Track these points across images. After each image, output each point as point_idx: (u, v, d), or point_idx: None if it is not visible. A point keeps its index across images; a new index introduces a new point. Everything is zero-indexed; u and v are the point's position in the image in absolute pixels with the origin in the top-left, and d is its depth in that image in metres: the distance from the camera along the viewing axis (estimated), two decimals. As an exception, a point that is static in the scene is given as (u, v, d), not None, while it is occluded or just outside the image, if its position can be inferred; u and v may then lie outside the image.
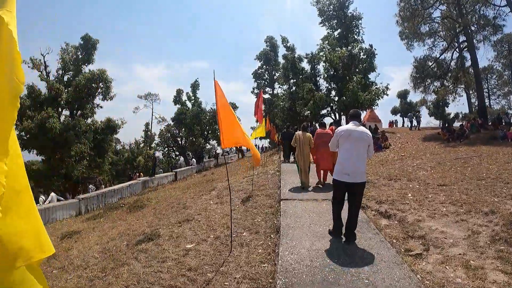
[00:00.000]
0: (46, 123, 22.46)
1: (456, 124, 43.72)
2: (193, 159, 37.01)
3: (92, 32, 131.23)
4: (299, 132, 10.00)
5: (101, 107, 29.30)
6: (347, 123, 5.75)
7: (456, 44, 30.93)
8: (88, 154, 26.08)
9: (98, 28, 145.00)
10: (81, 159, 25.79)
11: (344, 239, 5.38)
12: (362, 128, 5.35)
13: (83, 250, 7.18)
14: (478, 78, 28.31)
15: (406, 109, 57.14)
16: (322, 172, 9.88)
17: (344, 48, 26.55)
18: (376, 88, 25.74)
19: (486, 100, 44.65)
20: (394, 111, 59.32)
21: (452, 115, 57.25)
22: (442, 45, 32.33)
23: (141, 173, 34.89)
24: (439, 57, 30.89)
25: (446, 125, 24.11)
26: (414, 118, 34.23)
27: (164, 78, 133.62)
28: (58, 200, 18.33)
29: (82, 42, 28.56)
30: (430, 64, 30.66)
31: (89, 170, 28.18)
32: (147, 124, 57.44)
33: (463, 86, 32.07)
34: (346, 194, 5.39)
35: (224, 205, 8.39)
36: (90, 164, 28.10)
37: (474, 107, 44.10)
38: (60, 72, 27.80)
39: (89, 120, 27.92)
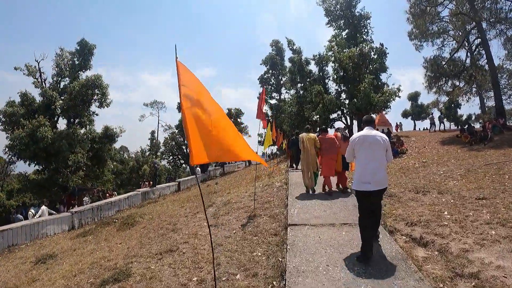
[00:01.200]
0: (37, 132, 21.11)
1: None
2: (198, 168, 35.49)
3: (100, 40, 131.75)
4: (303, 134, 9.62)
5: (96, 114, 27.84)
6: (360, 128, 5.64)
7: (469, 41, 29.81)
8: (85, 164, 24.69)
9: (105, 36, 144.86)
10: (77, 170, 24.42)
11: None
12: (376, 132, 5.10)
13: (46, 283, 6.34)
14: (494, 76, 26.80)
15: (418, 111, 55.50)
16: (326, 178, 9.29)
17: (354, 48, 25.10)
18: (389, 89, 24.04)
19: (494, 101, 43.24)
20: (405, 114, 57.56)
21: (464, 117, 55.49)
22: (451, 44, 31.63)
23: (151, 182, 33.85)
24: (453, 54, 29.65)
25: (466, 126, 22.44)
26: (438, 120, 32.59)
27: (171, 85, 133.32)
28: (50, 213, 17.08)
29: (78, 48, 27.28)
30: (444, 62, 29.32)
31: (87, 180, 26.84)
32: (152, 132, 56.73)
33: (476, 86, 30.46)
34: None
35: (219, 228, 6.95)
36: (89, 175, 26.78)
37: (487, 108, 42.95)
38: (56, 78, 26.50)
39: (86, 129, 26.63)
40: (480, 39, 27.38)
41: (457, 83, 30.13)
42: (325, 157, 9.19)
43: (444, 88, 30.62)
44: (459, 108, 52.51)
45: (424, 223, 6.23)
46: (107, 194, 31.51)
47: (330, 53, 27.29)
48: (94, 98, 26.06)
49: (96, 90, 25.52)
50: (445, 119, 33.73)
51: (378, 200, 5.09)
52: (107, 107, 26.82)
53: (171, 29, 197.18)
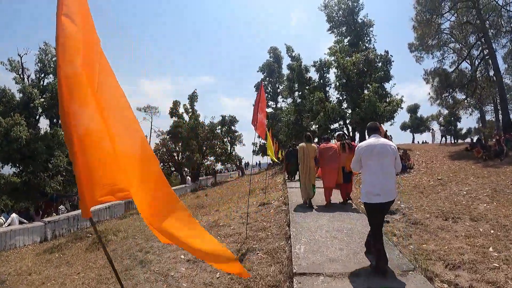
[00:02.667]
0: (11, 131, 19.32)
1: (469, 140, 41.50)
2: (188, 177, 33.60)
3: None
4: (303, 144, 9.04)
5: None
6: (365, 138, 4.96)
7: (470, 54, 29.25)
8: (65, 168, 22.87)
9: (105, 42, 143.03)
10: (55, 174, 22.59)
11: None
12: (385, 140, 4.82)
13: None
14: (501, 88, 25.58)
15: (417, 124, 54.16)
16: (327, 190, 8.86)
17: (359, 54, 23.66)
18: (395, 98, 22.49)
19: (494, 115, 42.79)
20: (404, 127, 56.09)
21: (464, 130, 54.38)
22: (452, 57, 31.56)
23: None
24: (459, 64, 28.92)
25: (477, 140, 21.04)
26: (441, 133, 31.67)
27: (169, 92, 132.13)
28: (21, 222, 15.53)
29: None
30: (452, 71, 28.75)
31: (68, 186, 25.00)
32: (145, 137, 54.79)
33: (480, 97, 29.43)
34: None
35: (198, 267, 5.29)
36: (70, 180, 24.95)
37: (487, 121, 41.97)
38: (38, 75, 24.78)
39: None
40: (487, 50, 26.23)
41: (463, 96, 29.03)
42: (327, 167, 8.69)
43: (448, 100, 29.48)
44: (459, 122, 51.31)
45: (469, 264, 4.80)
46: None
47: (332, 58, 25.74)
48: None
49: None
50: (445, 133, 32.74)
51: (387, 212, 4.92)
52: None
53: (171, 36, 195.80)
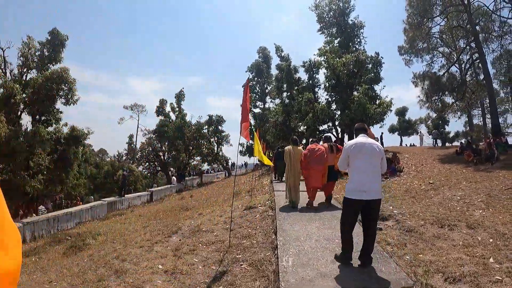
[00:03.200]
0: (-12, 128, 18.52)
1: (456, 143, 41.72)
2: (173, 177, 33.00)
3: (89, 44, 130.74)
4: (289, 147, 9.27)
5: (61, 112, 25.24)
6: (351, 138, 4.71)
7: (459, 58, 29.70)
8: (46, 167, 22.12)
9: (95, 40, 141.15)
10: (36, 173, 21.83)
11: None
12: (372, 141, 4.83)
13: None
14: (491, 92, 25.65)
15: (405, 127, 54.27)
16: (311, 190, 8.95)
17: (349, 55, 23.35)
18: (385, 100, 22.14)
19: (481, 119, 43.17)
20: (392, 129, 56.12)
21: (452, 134, 54.73)
22: (441, 61, 32.51)
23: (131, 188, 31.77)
24: (450, 67, 29.15)
25: (467, 144, 20.94)
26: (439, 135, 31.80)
27: (158, 91, 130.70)
28: (-3, 223, 14.77)
29: (49, 38, 24.79)
30: (442, 74, 28.92)
31: (50, 186, 24.22)
32: (131, 136, 54.07)
33: (469, 101, 29.61)
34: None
35: (175, 280, 4.83)
36: (52, 179, 24.18)
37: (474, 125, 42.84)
38: (21, 70, 23.93)
39: (52, 128, 24.11)
40: (476, 54, 26.28)
41: (452, 99, 29.05)
42: (313, 169, 8.71)
43: (438, 103, 29.48)
44: (447, 125, 51.54)
45: (470, 277, 4.39)
46: (77, 201, 29.10)
47: (322, 58, 25.36)
48: (60, 94, 23.52)
49: (62, 85, 23.02)
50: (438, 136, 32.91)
51: (375, 212, 4.75)
52: (74, 104, 24.30)
53: (161, 34, 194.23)
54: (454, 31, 28.70)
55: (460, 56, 30.09)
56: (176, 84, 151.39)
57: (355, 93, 22.85)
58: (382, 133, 32.49)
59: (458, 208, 8.16)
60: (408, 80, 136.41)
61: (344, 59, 22.33)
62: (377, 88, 23.99)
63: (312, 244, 5.52)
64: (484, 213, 7.56)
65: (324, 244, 5.52)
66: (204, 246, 6.13)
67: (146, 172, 43.98)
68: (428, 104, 31.17)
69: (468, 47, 28.46)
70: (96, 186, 43.34)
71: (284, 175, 9.31)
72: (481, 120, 44.23)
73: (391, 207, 8.45)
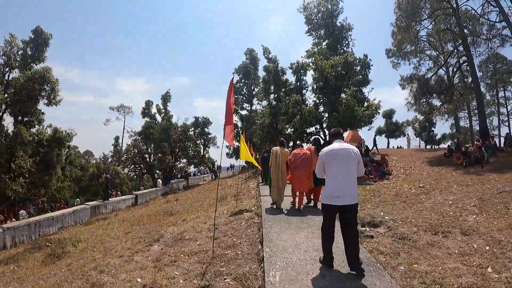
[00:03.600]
0: (-36, 129, 17.87)
1: (444, 145, 41.91)
2: (159, 180, 32.32)
3: (78, 44, 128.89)
4: (276, 148, 9.34)
5: (43, 113, 24.58)
6: (329, 143, 5.14)
7: (446, 61, 30.06)
8: (28, 170, 21.47)
9: (82, 40, 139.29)
10: (18, 176, 21.17)
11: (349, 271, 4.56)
12: (347, 145, 4.84)
13: None
14: (479, 94, 25.67)
15: (392, 129, 54.27)
16: (297, 193, 9.02)
17: (338, 56, 23.09)
18: (374, 103, 21.83)
19: (468, 121, 43.56)
20: (379, 132, 56.09)
21: (439, 136, 54.97)
22: (428, 64, 33.38)
23: (118, 191, 31.18)
24: (438, 70, 29.61)
25: (457, 146, 20.93)
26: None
27: (145, 92, 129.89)
28: (-22, 228, 14.60)
29: (32, 36, 24.17)
30: (430, 76, 28.98)
31: (33, 189, 23.57)
32: (116, 138, 53.33)
33: (457, 104, 29.71)
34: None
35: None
36: (35, 182, 23.53)
37: (460, 127, 43.88)
38: (3, 69, 23.22)
39: (34, 129, 23.48)
40: (464, 57, 26.31)
41: (439, 102, 29.06)
42: (297, 173, 8.71)
43: (425, 106, 29.52)
44: (434, 127, 51.73)
45: None
46: (61, 204, 28.39)
47: (310, 60, 25.12)
48: (42, 94, 22.87)
49: (44, 85, 22.37)
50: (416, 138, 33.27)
51: (352, 216, 4.66)
52: (56, 105, 23.65)
53: (149, 35, 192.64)
54: (442, 34, 28.84)
55: (448, 59, 30.21)
56: (163, 85, 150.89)
57: (343, 95, 22.50)
58: (375, 135, 32.39)
59: (451, 213, 7.91)
60: (395, 82, 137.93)
61: (332, 61, 22.02)
62: (365, 90, 23.72)
63: (300, 256, 5.16)
64: (478, 218, 7.32)
65: (314, 256, 5.16)
66: (186, 257, 5.75)
67: (132, 175, 43.32)
68: (416, 107, 31.31)
69: (455, 50, 28.58)
70: (81, 189, 42.85)
71: (270, 175, 9.25)
72: (468, 122, 44.59)
73: (382, 213, 8.16)
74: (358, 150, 4.88)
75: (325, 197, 4.75)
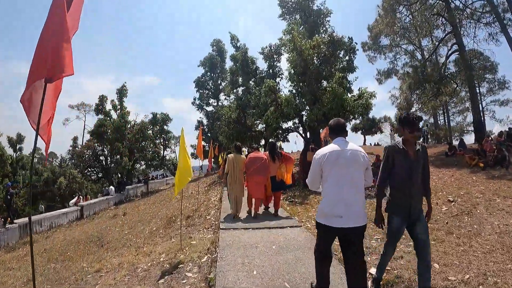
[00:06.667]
0: None
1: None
2: (111, 186, 27.61)
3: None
4: (231, 155, 8.49)
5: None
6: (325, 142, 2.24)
7: (447, 48, 27.23)
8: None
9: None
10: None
11: None
12: (353, 145, 3.39)
13: None
14: (472, 85, 23.50)
15: (369, 125, 52.05)
16: (254, 200, 8.15)
17: (321, 35, 19.70)
18: (367, 91, 18.05)
19: (442, 117, 41.88)
20: (355, 128, 53.53)
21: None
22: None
23: (88, 196, 27.80)
24: (428, 58, 27.67)
25: (460, 143, 18.10)
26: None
27: (111, 91, 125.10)
28: None
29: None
30: (425, 61, 27.12)
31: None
32: (75, 139, 48.20)
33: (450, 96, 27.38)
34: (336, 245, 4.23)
35: None
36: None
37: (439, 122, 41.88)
38: None
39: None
40: (456, 45, 23.78)
41: (431, 94, 26.48)
42: (254, 179, 7.93)
43: (415, 98, 27.06)
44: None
45: None
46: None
47: (287, 37, 21.06)
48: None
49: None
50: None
51: (358, 241, 3.27)
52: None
53: (114, 33, 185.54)
54: (431, 20, 26.08)
55: (437, 50, 28.27)
56: (130, 84, 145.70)
57: (325, 82, 18.81)
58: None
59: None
60: (371, 77, 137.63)
61: (313, 41, 18.29)
62: (350, 78, 20.00)
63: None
64: None
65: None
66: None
67: (88, 180, 39.47)
68: (397, 102, 29.65)
69: (446, 37, 26.10)
70: (35, 196, 38.61)
71: (227, 187, 8.37)
72: (442, 118, 42.72)
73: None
74: (365, 153, 3.43)
75: (322, 214, 3.32)
